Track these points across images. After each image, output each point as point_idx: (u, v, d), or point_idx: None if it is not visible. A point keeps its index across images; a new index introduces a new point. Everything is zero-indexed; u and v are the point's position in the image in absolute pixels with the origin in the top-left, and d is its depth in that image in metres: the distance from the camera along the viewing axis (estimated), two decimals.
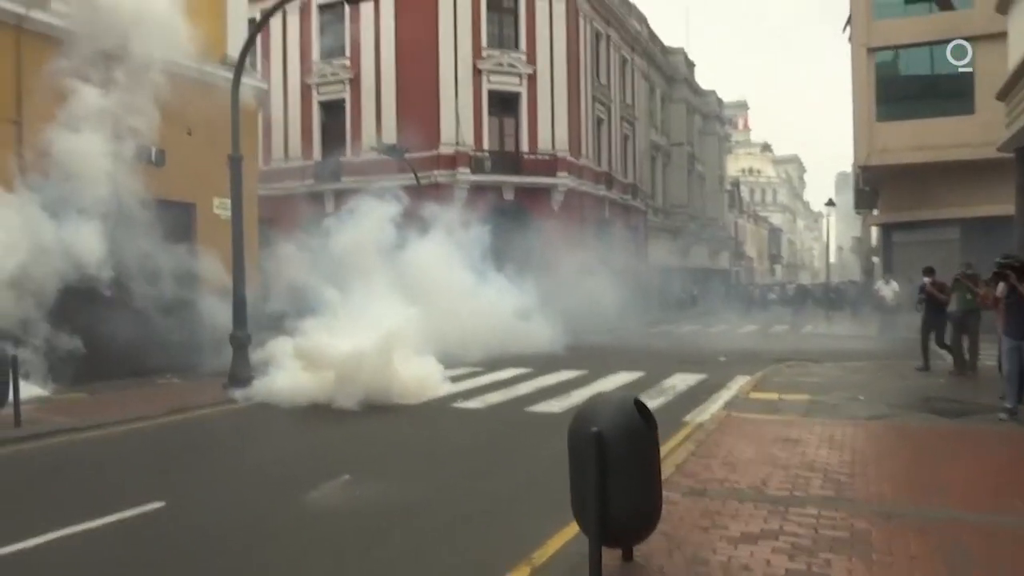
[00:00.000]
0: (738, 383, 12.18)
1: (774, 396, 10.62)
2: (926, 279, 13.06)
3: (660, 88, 45.39)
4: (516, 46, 29.77)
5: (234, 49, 14.99)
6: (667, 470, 6.50)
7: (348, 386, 10.37)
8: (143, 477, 7.08)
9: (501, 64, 29.41)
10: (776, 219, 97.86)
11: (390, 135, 28.92)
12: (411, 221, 20.01)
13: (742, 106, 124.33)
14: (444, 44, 28.56)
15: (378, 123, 29.57)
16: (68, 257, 11.61)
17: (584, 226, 30.96)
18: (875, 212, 28.01)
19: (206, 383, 12.44)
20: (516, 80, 29.81)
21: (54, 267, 11.52)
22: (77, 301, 12.34)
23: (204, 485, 6.77)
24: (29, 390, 11.04)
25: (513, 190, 28.88)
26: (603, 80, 34.98)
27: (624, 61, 38.46)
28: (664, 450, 7.40)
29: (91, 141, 11.97)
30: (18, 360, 8.95)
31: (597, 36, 34.59)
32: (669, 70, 46.41)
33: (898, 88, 23.09)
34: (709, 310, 41.80)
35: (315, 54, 31.13)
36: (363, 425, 9.57)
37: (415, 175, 26.11)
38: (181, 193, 13.93)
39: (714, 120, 56.41)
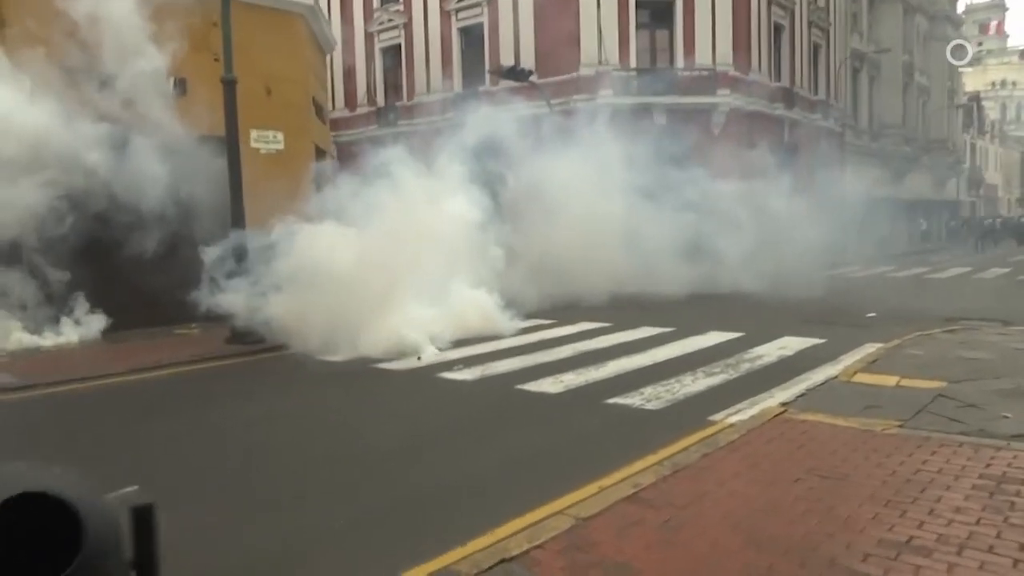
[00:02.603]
0: (858, 355, 8.70)
1: (890, 381, 7.19)
2: None
3: None
4: None
5: None
6: (545, 534, 3.86)
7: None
8: None
9: None
10: None
11: (529, 59, 26.47)
12: (538, 145, 18.53)
13: (997, 7, 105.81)
14: None
15: (516, 47, 27.13)
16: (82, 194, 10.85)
17: (755, 151, 26.62)
18: None
19: (220, 334, 11.15)
20: None
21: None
22: (98, 248, 11.60)
23: None
24: (26, 338, 10.44)
25: (665, 112, 25.22)
26: None
27: None
28: (611, 479, 4.73)
29: (94, 67, 10.90)
30: None
31: None
32: None
33: None
34: (917, 249, 35.37)
35: None
36: (289, 399, 7.65)
37: (547, 101, 23.58)
38: (210, 126, 12.55)
39: (944, 22, 47.20)
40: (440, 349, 9.92)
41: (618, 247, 17.17)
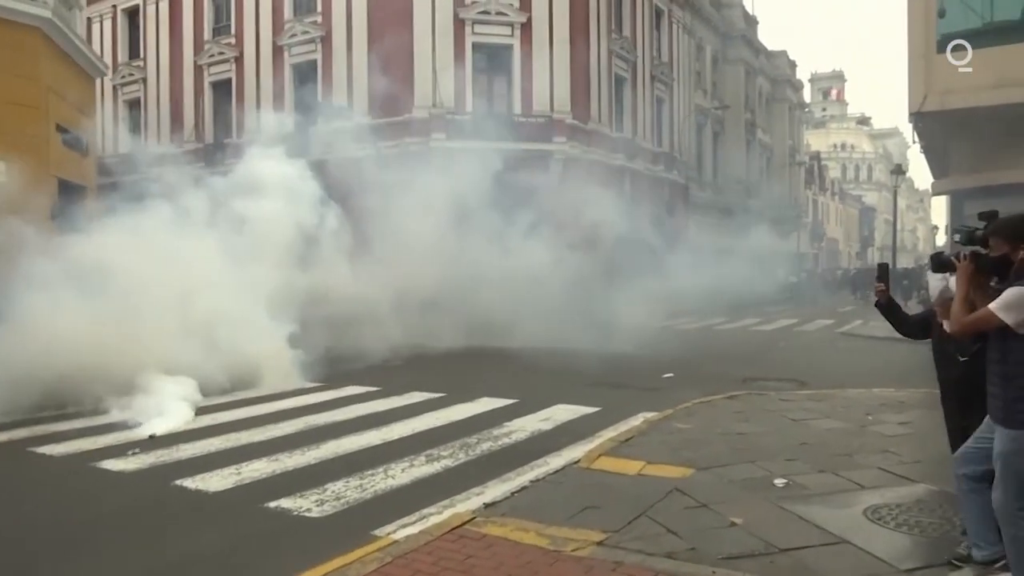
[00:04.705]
0: (622, 428, 7.56)
1: (634, 468, 6.01)
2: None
3: (711, 46, 39.66)
4: None
5: None
6: None
7: None
8: None
9: (488, 12, 24.99)
10: (871, 198, 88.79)
11: (362, 99, 25.18)
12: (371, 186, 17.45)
13: (837, 77, 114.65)
14: None
15: (350, 86, 25.81)
16: None
17: (594, 202, 26.15)
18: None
19: None
20: (507, 31, 25.35)
21: None
22: None
23: None
24: None
25: (501, 158, 24.33)
26: (626, 32, 29.87)
27: (658, 13, 33.13)
28: None
29: None
30: None
31: None
32: (723, 26, 40.52)
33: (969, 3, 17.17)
34: (763, 300, 36.10)
35: (287, 12, 27.56)
36: None
37: (375, 143, 22.35)
38: None
39: (785, 85, 49.85)
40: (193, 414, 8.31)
41: (466, 296, 16.15)
